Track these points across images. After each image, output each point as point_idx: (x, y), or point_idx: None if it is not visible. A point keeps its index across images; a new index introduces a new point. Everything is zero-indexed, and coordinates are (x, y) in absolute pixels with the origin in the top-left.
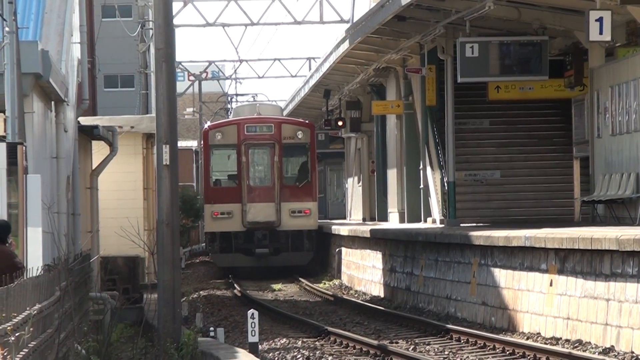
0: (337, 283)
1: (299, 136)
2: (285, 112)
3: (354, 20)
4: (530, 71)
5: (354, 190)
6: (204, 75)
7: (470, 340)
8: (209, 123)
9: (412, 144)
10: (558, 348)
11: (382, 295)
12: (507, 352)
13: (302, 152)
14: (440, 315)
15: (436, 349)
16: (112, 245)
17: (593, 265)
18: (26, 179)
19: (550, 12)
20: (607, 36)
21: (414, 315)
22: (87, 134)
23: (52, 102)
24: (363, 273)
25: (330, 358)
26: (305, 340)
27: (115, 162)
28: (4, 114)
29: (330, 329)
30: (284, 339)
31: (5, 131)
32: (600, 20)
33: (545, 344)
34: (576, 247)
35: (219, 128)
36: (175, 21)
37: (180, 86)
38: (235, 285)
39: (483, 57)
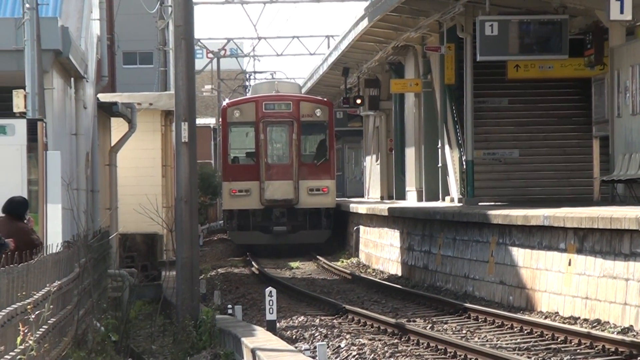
0: (354, 261)
1: (318, 114)
2: (303, 90)
3: None
4: (550, 50)
5: (372, 168)
6: (222, 52)
7: (487, 319)
8: (227, 100)
9: (431, 123)
10: (576, 327)
11: (399, 273)
12: (525, 332)
13: (320, 130)
14: (458, 294)
15: (454, 328)
16: (131, 222)
17: (612, 244)
18: (46, 156)
19: None
20: (627, 15)
21: (431, 293)
22: (106, 111)
23: (72, 79)
24: (381, 251)
25: (348, 336)
26: (323, 318)
27: (134, 139)
28: (24, 90)
29: (348, 307)
30: (302, 317)
31: (25, 107)
32: None
33: (564, 323)
34: (595, 227)
35: (237, 105)
36: None
37: (199, 63)
38: (253, 263)
39: (502, 35)
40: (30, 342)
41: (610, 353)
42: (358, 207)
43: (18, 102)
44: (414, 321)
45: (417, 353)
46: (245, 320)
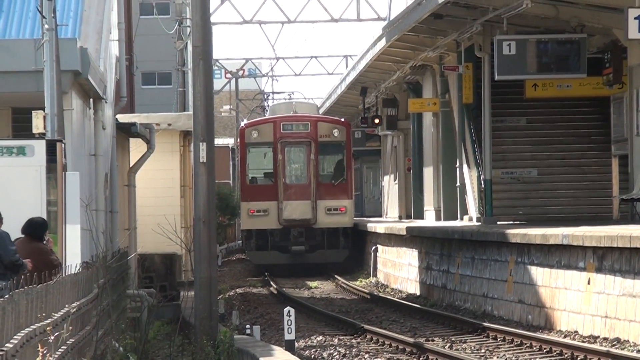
0: (373, 281)
1: (335, 134)
2: (321, 110)
3: (391, 18)
4: (568, 69)
5: (390, 187)
6: (240, 72)
7: (506, 338)
8: (245, 121)
9: (449, 142)
10: (596, 346)
11: (418, 293)
12: (544, 350)
13: (338, 150)
14: (477, 313)
15: (472, 347)
16: (149, 242)
17: (632, 263)
18: (65, 176)
19: (588, 9)
20: None
21: (450, 313)
22: (125, 132)
23: (91, 100)
24: (399, 271)
25: (366, 356)
26: (341, 337)
27: (153, 159)
28: (44, 111)
29: (366, 326)
30: (321, 337)
31: (44, 128)
32: (639, 18)
33: (583, 342)
34: (615, 245)
35: (256, 126)
36: (213, 19)
37: (217, 84)
38: (271, 282)
39: (520, 54)
40: None
41: None
42: (376, 226)
43: (37, 123)
44: (433, 340)
45: None
46: (264, 340)
